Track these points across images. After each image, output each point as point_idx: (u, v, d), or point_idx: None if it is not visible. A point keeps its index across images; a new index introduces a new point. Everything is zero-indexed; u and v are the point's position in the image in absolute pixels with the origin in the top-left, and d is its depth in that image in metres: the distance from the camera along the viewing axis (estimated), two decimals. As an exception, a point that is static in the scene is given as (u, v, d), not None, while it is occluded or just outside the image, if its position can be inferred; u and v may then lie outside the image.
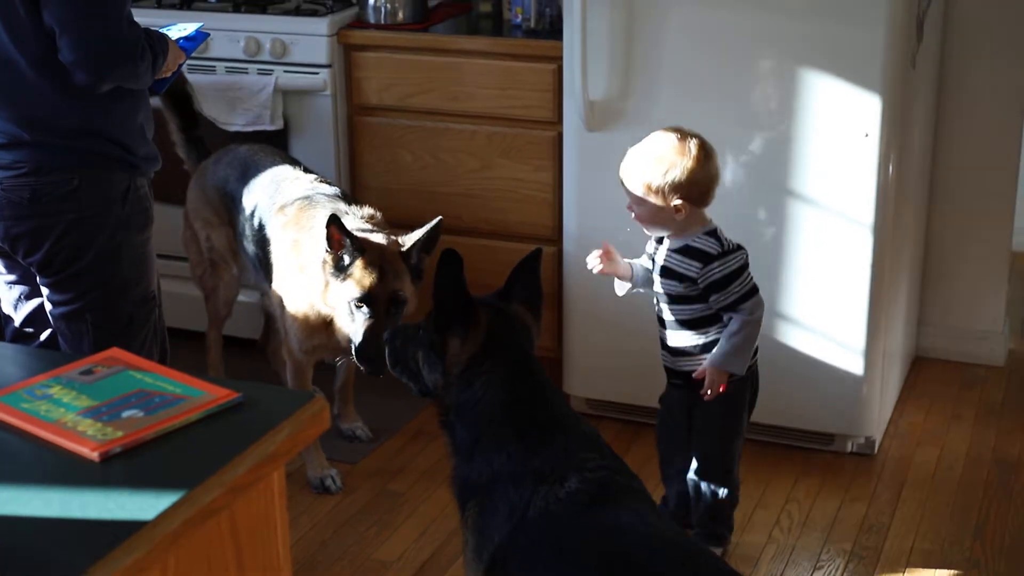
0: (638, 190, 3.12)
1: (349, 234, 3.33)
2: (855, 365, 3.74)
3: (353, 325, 3.37)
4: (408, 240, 3.43)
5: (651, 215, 3.14)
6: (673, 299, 3.20)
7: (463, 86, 4.03)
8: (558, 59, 3.85)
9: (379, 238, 3.44)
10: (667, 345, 3.27)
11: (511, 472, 2.47)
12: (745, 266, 3.13)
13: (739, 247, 3.14)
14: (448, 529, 3.47)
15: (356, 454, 3.89)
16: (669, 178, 3.07)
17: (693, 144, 3.09)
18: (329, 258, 3.37)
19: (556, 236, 4.03)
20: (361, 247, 3.35)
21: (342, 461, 3.82)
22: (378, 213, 3.62)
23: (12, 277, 3.09)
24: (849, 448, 3.87)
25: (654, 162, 3.10)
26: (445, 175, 4.11)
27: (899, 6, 3.47)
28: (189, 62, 4.17)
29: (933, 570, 3.35)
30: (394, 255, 3.40)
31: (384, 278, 3.36)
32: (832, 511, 3.60)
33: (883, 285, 3.71)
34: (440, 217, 3.51)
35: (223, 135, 4.17)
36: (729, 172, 3.68)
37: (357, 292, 3.35)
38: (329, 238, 3.33)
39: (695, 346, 3.20)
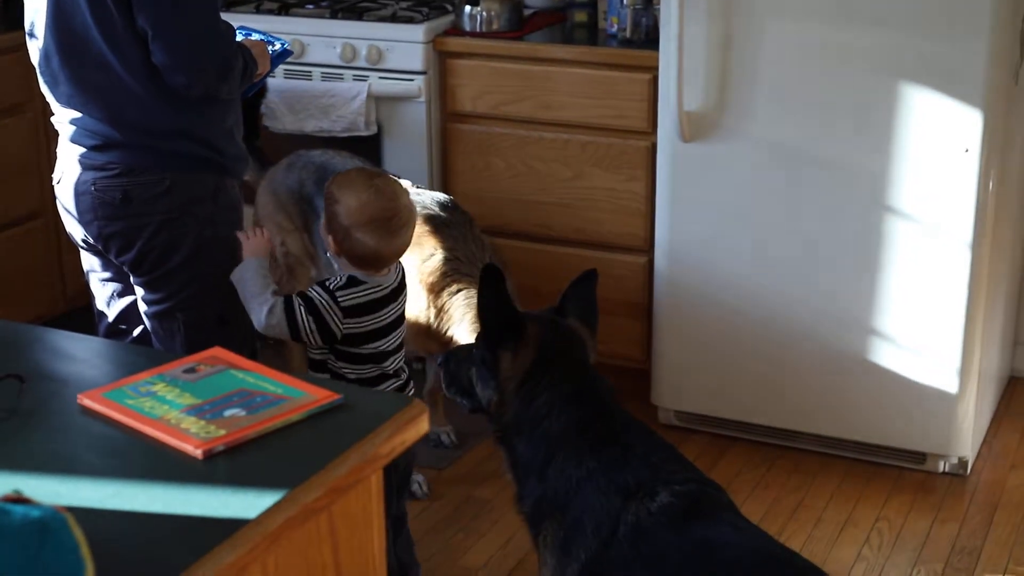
0: (325, 193, 2.88)
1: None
2: (949, 384, 3.68)
3: None
4: None
5: (322, 226, 2.90)
6: None
7: (557, 95, 4.03)
8: (653, 69, 3.83)
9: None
10: None
11: (594, 487, 2.43)
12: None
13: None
14: (534, 538, 3.46)
15: (443, 460, 3.90)
16: (336, 208, 2.81)
17: (392, 211, 2.80)
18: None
19: (648, 247, 4.01)
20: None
21: (429, 467, 3.83)
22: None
23: (106, 275, 3.13)
24: (941, 468, 3.81)
25: (350, 187, 2.82)
26: (537, 184, 4.11)
27: (1002, 21, 3.42)
28: (286, 67, 4.23)
29: (1027, 594, 3.30)
30: None
31: None
32: (923, 531, 3.55)
33: (979, 303, 3.65)
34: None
35: (283, 143, 4.20)
36: (825, 186, 3.65)
37: None
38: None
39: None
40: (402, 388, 2.97)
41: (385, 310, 2.87)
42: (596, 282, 2.72)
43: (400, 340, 2.95)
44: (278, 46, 3.26)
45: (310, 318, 2.79)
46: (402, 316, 2.94)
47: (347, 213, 2.79)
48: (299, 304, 2.80)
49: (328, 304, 2.80)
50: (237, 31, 3.13)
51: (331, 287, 2.82)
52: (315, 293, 2.82)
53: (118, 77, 2.83)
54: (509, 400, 2.56)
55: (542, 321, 2.62)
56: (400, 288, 2.92)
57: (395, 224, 2.81)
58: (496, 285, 2.56)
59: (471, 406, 2.69)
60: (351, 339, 2.84)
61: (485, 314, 2.59)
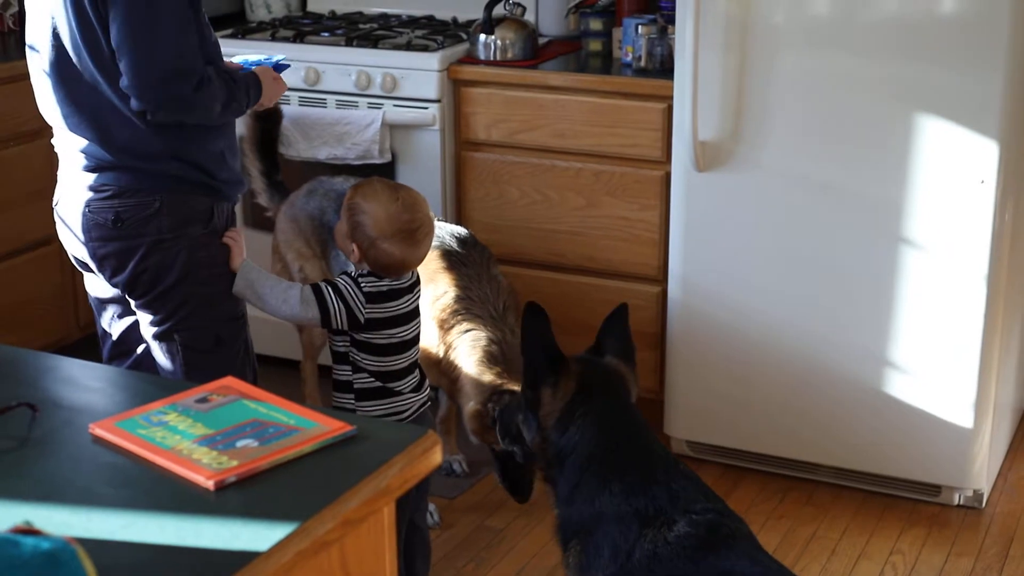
0: (346, 203, 2.94)
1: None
2: (965, 416, 3.66)
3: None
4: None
5: (340, 234, 2.96)
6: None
7: (571, 123, 4.02)
8: (668, 98, 3.83)
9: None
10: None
11: (615, 511, 2.45)
12: None
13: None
14: (546, 567, 3.45)
15: (454, 489, 3.88)
16: (362, 219, 2.89)
17: (417, 223, 2.90)
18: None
19: (661, 276, 4.00)
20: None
21: (441, 496, 3.81)
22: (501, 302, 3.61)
23: (106, 296, 3.14)
24: (956, 500, 3.79)
25: (375, 198, 2.90)
26: (551, 212, 4.11)
27: (1017, 50, 3.41)
28: (301, 95, 4.24)
29: (1043, 629, 3.26)
30: None
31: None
32: (938, 564, 3.52)
33: (995, 335, 3.63)
34: None
35: (297, 171, 4.20)
36: (840, 217, 3.63)
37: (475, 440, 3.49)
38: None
39: (343, 382, 3.01)
40: (420, 385, 3.05)
41: (403, 299, 2.97)
42: (628, 317, 2.77)
43: (417, 331, 3.03)
44: (276, 59, 3.25)
45: (339, 303, 2.90)
46: (418, 308, 3.04)
47: (374, 224, 2.88)
48: (327, 288, 2.92)
49: (352, 290, 2.91)
50: (243, 62, 3.14)
51: (354, 275, 2.94)
52: (340, 280, 2.94)
53: (107, 98, 2.84)
54: (549, 436, 2.59)
55: (583, 359, 2.69)
56: (416, 282, 3.03)
57: (420, 235, 2.93)
58: (539, 323, 2.62)
59: (522, 452, 2.74)
60: (373, 325, 2.93)
61: (528, 352, 2.64)
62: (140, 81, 2.77)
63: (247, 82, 2.99)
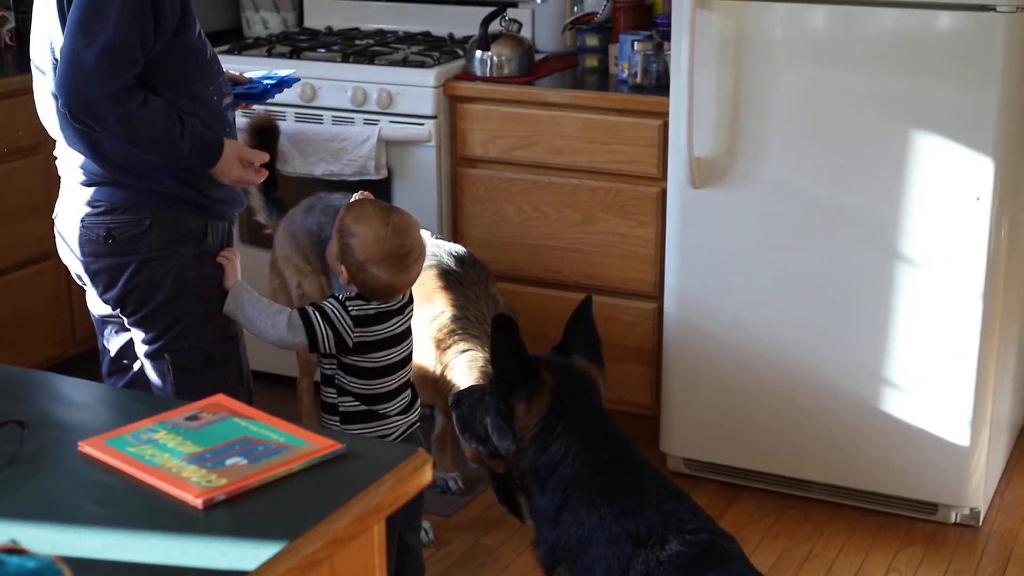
0: (337, 224, 2.92)
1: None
2: (961, 434, 3.65)
3: None
4: None
5: (331, 254, 2.95)
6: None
7: (567, 140, 4.02)
8: (663, 115, 3.83)
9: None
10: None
11: (606, 534, 2.42)
12: None
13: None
14: (541, 586, 3.43)
15: (449, 507, 3.87)
16: (351, 241, 2.86)
17: (407, 247, 2.86)
18: None
19: (657, 293, 4.00)
20: None
21: (436, 514, 3.80)
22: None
23: (104, 311, 3.14)
24: (953, 519, 3.77)
25: (366, 221, 2.88)
26: (547, 229, 4.10)
27: (1013, 67, 3.41)
28: (298, 111, 4.24)
29: (1040, 648, 3.25)
30: None
31: None
32: (935, 583, 3.52)
33: (992, 352, 3.63)
34: None
35: (294, 187, 4.20)
36: (836, 233, 3.63)
37: None
38: None
39: (329, 404, 2.98)
40: (409, 406, 3.02)
41: (393, 321, 2.93)
42: (592, 309, 2.72)
43: (408, 351, 3.00)
44: (283, 74, 3.25)
45: (327, 327, 2.86)
46: (410, 329, 3.00)
47: (363, 248, 2.85)
48: (315, 313, 2.88)
49: (339, 313, 2.88)
50: (254, 78, 3.14)
51: (342, 298, 2.90)
52: (327, 303, 2.90)
53: None
54: (525, 448, 2.55)
55: (555, 367, 2.61)
56: (408, 302, 2.99)
57: (410, 259, 2.88)
58: (508, 335, 2.54)
59: (487, 452, 2.69)
60: (362, 348, 2.90)
61: (498, 364, 2.57)
62: (59, 80, 2.74)
63: (199, 136, 2.85)
